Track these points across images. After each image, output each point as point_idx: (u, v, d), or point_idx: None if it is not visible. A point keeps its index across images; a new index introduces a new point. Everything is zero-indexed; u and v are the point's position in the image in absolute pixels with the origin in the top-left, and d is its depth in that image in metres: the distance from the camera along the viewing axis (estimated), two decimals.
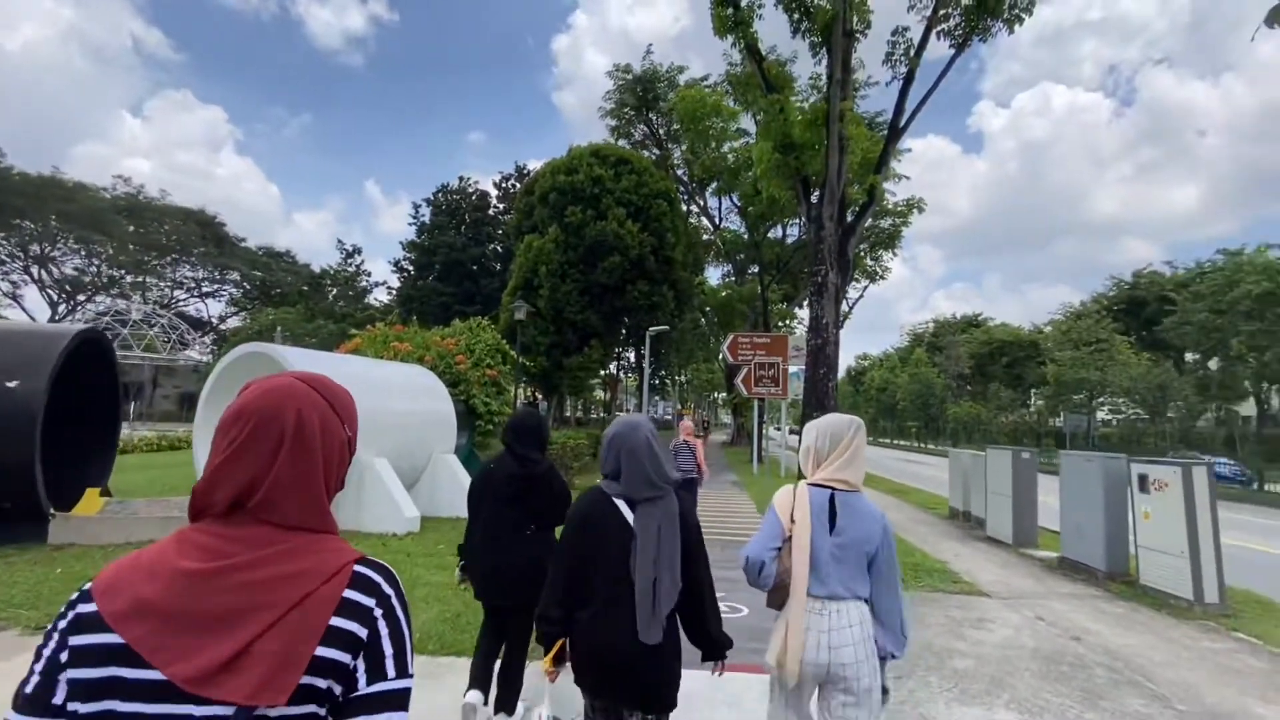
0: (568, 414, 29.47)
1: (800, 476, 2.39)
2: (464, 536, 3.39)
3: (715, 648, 2.18)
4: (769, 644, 2.25)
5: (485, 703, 3.19)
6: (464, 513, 3.45)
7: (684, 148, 33.85)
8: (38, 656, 0.78)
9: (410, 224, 34.36)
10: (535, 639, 2.29)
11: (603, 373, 37.29)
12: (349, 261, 41.87)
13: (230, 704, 0.74)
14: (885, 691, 2.19)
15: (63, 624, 0.78)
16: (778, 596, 2.23)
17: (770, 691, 2.31)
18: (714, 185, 35.92)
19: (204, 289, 48.11)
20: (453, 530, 8.95)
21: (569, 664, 2.12)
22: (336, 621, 0.81)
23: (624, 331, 25.13)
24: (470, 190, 34.91)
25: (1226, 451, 27.05)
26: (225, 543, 0.82)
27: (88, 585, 0.80)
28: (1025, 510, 9.70)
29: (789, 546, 2.18)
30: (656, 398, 64.86)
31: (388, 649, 0.84)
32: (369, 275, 42.97)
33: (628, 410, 64.05)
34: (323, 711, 0.80)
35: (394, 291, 38.00)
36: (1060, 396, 35.19)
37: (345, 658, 0.80)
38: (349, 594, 0.83)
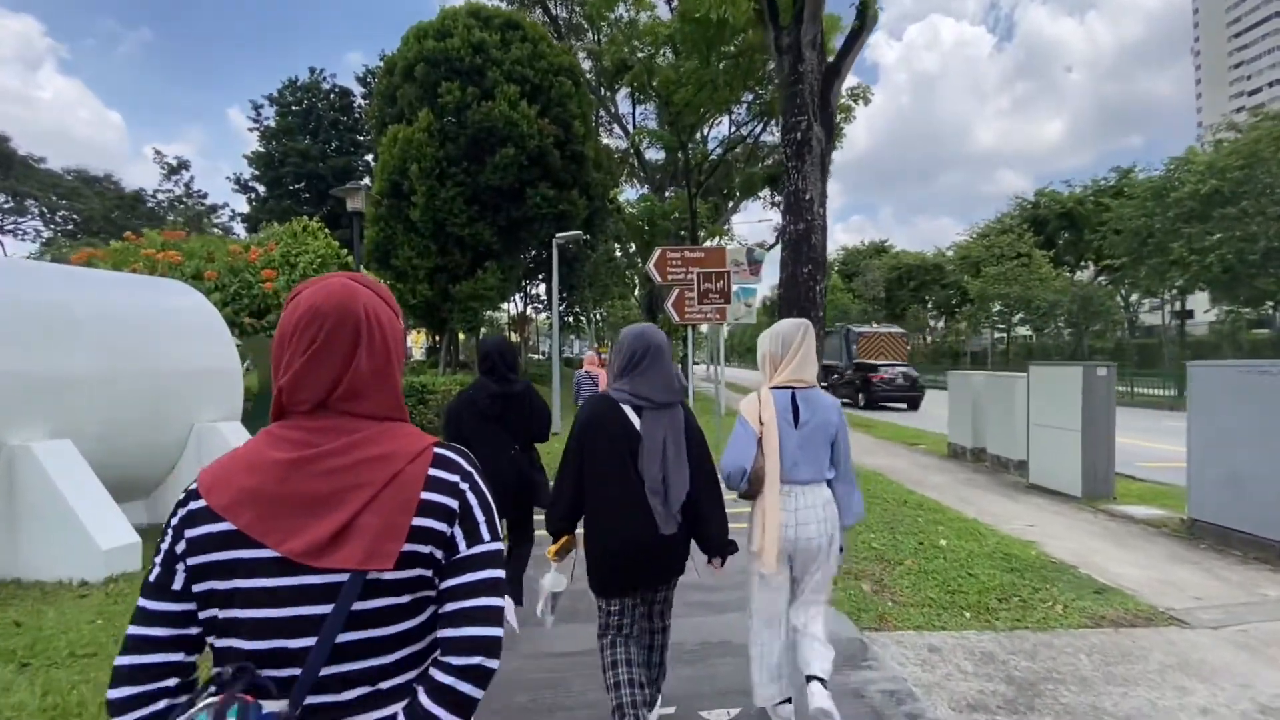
0: (463, 357, 24.74)
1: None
2: None
3: (718, 548, 2.28)
4: (750, 534, 2.44)
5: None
6: None
7: (589, 37, 28.75)
8: (157, 551, 0.87)
9: (252, 128, 27.25)
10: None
11: (506, 307, 32.83)
12: (174, 179, 33.68)
13: (344, 570, 0.82)
14: (841, 549, 2.50)
15: (175, 520, 0.86)
16: (755, 488, 2.38)
17: (750, 577, 2.51)
18: (626, 89, 31.18)
19: None
20: None
21: (573, 553, 2.33)
22: (427, 495, 0.88)
23: (530, 253, 20.70)
24: (327, 87, 28.03)
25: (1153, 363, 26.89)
26: (311, 434, 0.88)
27: (192, 486, 0.87)
28: (1101, 450, 6.88)
29: (760, 446, 2.35)
30: (571, 336, 60.78)
31: (480, 516, 0.93)
32: (202, 196, 34.84)
33: (543, 352, 59.61)
34: (429, 573, 0.88)
35: (237, 216, 30.95)
36: (984, 313, 34.44)
37: (442, 526, 0.88)
38: (434, 472, 0.91)
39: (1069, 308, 29.33)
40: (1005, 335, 36.86)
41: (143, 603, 0.85)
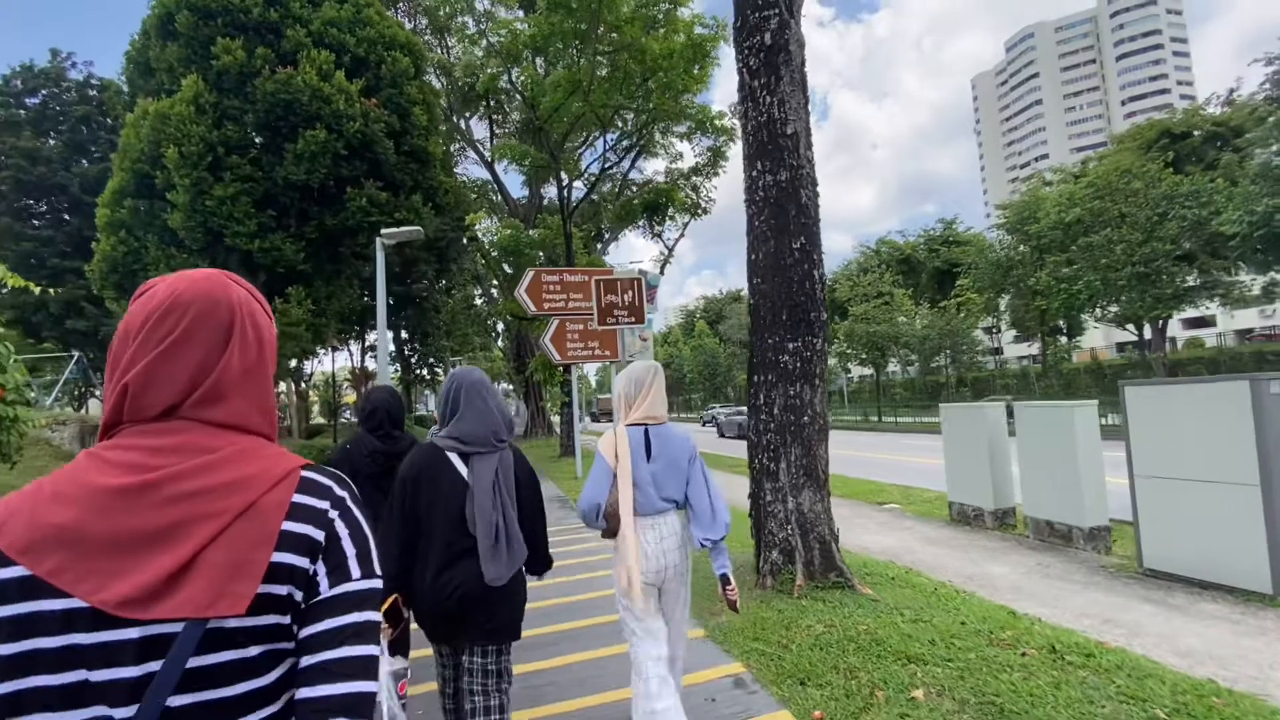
0: (284, 421, 18.77)
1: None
2: None
3: (540, 564, 2.35)
4: (615, 572, 2.50)
5: None
6: None
7: (436, 54, 25.20)
8: None
9: None
10: None
11: (338, 356, 27.22)
12: None
13: (178, 619, 0.68)
14: (727, 580, 2.51)
15: None
16: (613, 525, 2.45)
17: (621, 613, 2.54)
18: (483, 109, 27.76)
19: None
20: None
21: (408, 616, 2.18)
22: (289, 526, 0.75)
23: (361, 289, 16.06)
24: (78, 76, 21.32)
25: (1043, 391, 27.75)
26: (152, 455, 0.73)
27: None
28: None
29: (615, 481, 2.45)
30: (426, 391, 54.39)
31: (349, 549, 0.78)
32: None
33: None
34: (286, 620, 0.74)
35: None
36: (854, 351, 34.54)
37: (303, 562, 0.75)
38: (299, 498, 0.77)
39: (939, 342, 29.86)
40: (874, 372, 37.46)
41: None
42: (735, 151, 21.08)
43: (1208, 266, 18.87)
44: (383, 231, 8.77)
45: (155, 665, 0.67)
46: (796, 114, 5.00)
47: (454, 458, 2.12)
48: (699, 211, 22.49)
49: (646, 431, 2.51)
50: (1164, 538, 4.84)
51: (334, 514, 0.78)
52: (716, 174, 21.69)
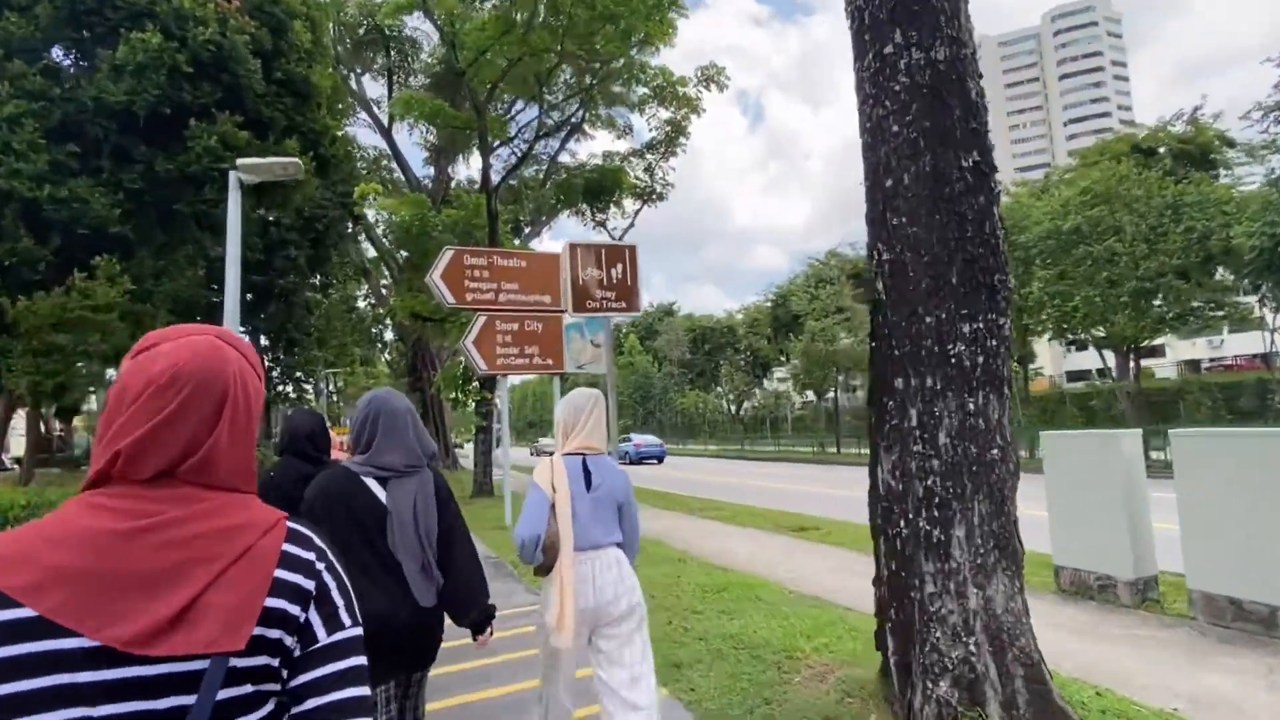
0: (75, 452, 14.61)
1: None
2: None
3: (477, 617, 2.37)
4: (545, 607, 2.63)
5: None
6: None
7: None
8: None
9: None
10: None
11: None
12: None
13: (190, 656, 0.76)
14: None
15: None
16: (548, 560, 2.57)
17: (543, 655, 2.71)
18: (375, 58, 25.28)
19: None
20: None
21: None
22: (281, 574, 0.84)
23: (200, 265, 13.31)
24: None
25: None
26: (147, 503, 0.82)
27: None
28: None
29: (553, 512, 2.57)
30: (288, 410, 49.67)
31: (339, 600, 0.90)
32: None
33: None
34: (275, 663, 0.83)
35: None
36: (811, 372, 34.18)
37: (295, 609, 0.84)
38: (289, 547, 0.87)
39: None
40: (817, 398, 37.45)
41: None
42: (696, 127, 19.89)
43: (1218, 284, 19.52)
44: (240, 162, 6.59)
45: (168, 701, 0.75)
46: None
47: (370, 482, 2.21)
48: (654, 196, 21.08)
49: (585, 461, 2.69)
50: None
51: (320, 565, 0.89)
52: (674, 154, 20.42)
